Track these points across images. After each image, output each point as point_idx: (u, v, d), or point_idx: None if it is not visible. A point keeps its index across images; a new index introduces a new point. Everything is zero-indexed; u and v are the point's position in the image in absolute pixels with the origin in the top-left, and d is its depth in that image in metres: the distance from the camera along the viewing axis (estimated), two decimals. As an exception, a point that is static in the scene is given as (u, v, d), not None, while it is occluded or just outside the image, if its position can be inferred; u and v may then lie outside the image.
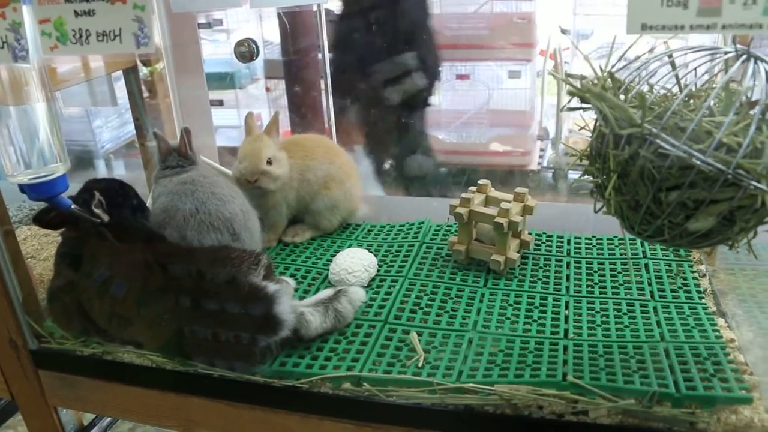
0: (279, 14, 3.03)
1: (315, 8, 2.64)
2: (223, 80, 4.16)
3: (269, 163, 1.38)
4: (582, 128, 0.98)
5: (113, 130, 3.80)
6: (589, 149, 0.96)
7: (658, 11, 0.77)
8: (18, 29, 0.96)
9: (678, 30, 0.77)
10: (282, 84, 3.97)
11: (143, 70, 1.96)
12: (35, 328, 1.24)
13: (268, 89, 4.31)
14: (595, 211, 0.97)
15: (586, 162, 0.98)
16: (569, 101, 0.94)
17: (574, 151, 1.00)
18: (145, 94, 1.93)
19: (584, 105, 0.92)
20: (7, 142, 1.10)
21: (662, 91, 0.94)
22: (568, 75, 0.92)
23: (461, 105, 4.28)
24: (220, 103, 4.24)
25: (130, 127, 3.79)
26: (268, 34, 4.16)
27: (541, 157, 4.29)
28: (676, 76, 0.93)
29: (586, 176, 0.96)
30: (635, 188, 0.87)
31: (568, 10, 4.01)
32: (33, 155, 1.12)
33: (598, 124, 0.92)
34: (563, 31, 4.03)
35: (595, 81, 0.91)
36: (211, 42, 4.11)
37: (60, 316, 1.23)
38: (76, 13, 0.96)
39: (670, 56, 0.92)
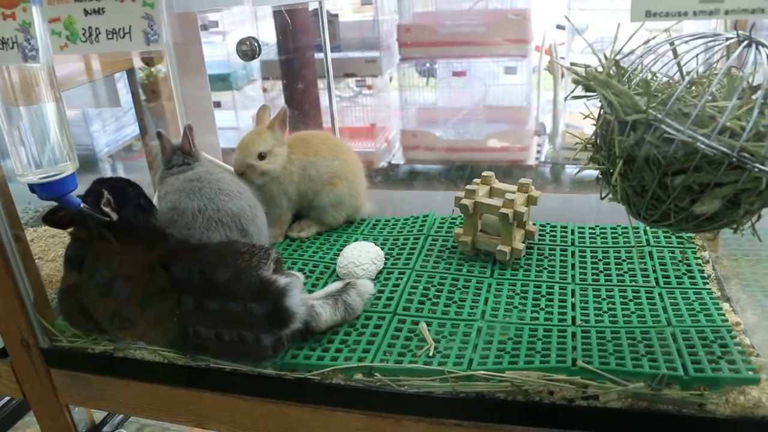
0: (275, 14, 3.04)
1: (311, 7, 2.65)
2: (221, 82, 4.17)
3: (261, 157, 1.40)
4: (586, 117, 1.00)
5: (111, 133, 3.80)
6: (593, 137, 0.97)
7: (662, -2, 0.78)
8: (28, 29, 0.97)
9: (681, 16, 0.78)
10: (278, 84, 3.99)
11: (140, 74, 1.97)
12: (46, 327, 1.25)
13: (265, 90, 4.32)
14: (602, 198, 0.98)
15: (588, 153, 0.99)
16: (573, 90, 0.95)
17: (579, 140, 1.01)
18: (143, 97, 1.94)
19: (588, 93, 0.94)
20: (17, 142, 1.11)
21: (664, 79, 0.96)
22: (573, 64, 0.93)
23: (457, 102, 4.29)
24: (218, 104, 4.25)
25: (128, 131, 3.80)
26: (264, 35, 4.18)
27: (538, 152, 4.30)
28: (678, 64, 0.94)
29: (591, 164, 0.98)
30: (641, 174, 0.88)
31: (563, 6, 4.03)
32: (43, 155, 1.13)
33: (602, 111, 0.94)
34: (559, 27, 4.04)
35: (600, 69, 0.92)
36: (207, 44, 4.11)
37: (72, 316, 1.24)
38: (86, 12, 0.97)
39: (671, 44, 0.93)
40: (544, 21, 4.12)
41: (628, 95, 0.86)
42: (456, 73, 4.22)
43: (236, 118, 4.35)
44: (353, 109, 4.33)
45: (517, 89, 4.17)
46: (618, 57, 0.94)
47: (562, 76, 3.89)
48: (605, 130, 0.92)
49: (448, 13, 4.10)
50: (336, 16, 4.19)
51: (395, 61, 4.27)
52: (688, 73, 0.94)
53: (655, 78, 0.94)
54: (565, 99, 1.01)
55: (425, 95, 4.30)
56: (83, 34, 0.98)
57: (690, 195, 0.86)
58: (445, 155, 4.18)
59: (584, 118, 1.00)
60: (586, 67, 0.92)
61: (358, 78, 4.29)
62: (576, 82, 0.92)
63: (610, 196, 0.97)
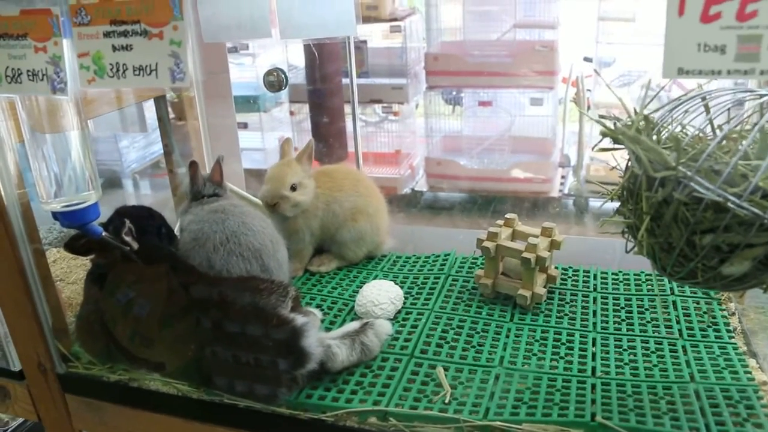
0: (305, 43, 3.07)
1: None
2: (249, 103, 4.21)
3: (293, 189, 1.40)
4: (613, 168, 0.98)
5: (139, 150, 3.85)
6: (621, 189, 0.95)
7: (695, 56, 0.76)
8: (58, 62, 0.98)
9: (715, 75, 0.77)
10: (305, 108, 4.03)
11: (170, 93, 1.99)
12: (63, 353, 1.25)
13: (292, 113, 4.35)
14: (627, 252, 0.96)
15: (606, 191, 0.98)
16: (600, 141, 0.94)
17: (605, 190, 1.00)
18: (171, 116, 1.96)
19: (616, 146, 0.92)
20: (42, 168, 1.12)
21: (695, 132, 0.94)
22: (601, 116, 0.92)
23: (483, 131, 4.29)
24: (245, 125, 4.29)
25: (156, 148, 3.85)
26: (294, 58, 4.22)
27: (562, 184, 4.28)
28: (710, 119, 0.93)
29: (617, 216, 0.96)
30: (668, 231, 0.87)
31: (590, 39, 4.02)
32: (66, 183, 1.14)
33: (630, 164, 0.92)
34: (587, 59, 4.03)
35: (629, 122, 0.91)
36: (237, 66, 4.17)
37: (88, 342, 1.24)
38: (114, 48, 0.98)
39: (704, 98, 0.92)
40: (571, 53, 4.11)
41: (658, 152, 0.85)
42: (482, 103, 4.22)
43: (262, 140, 4.38)
44: (378, 134, 4.34)
45: (542, 120, 4.16)
46: (650, 108, 0.93)
47: (588, 108, 3.88)
48: (632, 183, 0.91)
49: (475, 42, 4.11)
50: (365, 42, 4.22)
51: (422, 88, 4.29)
52: (720, 127, 0.92)
53: (684, 132, 0.92)
54: (593, 149, 1.00)
55: (451, 123, 4.31)
56: (111, 70, 0.98)
57: (719, 255, 0.84)
58: (469, 184, 4.18)
59: (611, 170, 0.99)
60: (616, 120, 0.91)
61: (385, 104, 4.31)
62: (604, 135, 0.91)
63: (636, 249, 0.95)
